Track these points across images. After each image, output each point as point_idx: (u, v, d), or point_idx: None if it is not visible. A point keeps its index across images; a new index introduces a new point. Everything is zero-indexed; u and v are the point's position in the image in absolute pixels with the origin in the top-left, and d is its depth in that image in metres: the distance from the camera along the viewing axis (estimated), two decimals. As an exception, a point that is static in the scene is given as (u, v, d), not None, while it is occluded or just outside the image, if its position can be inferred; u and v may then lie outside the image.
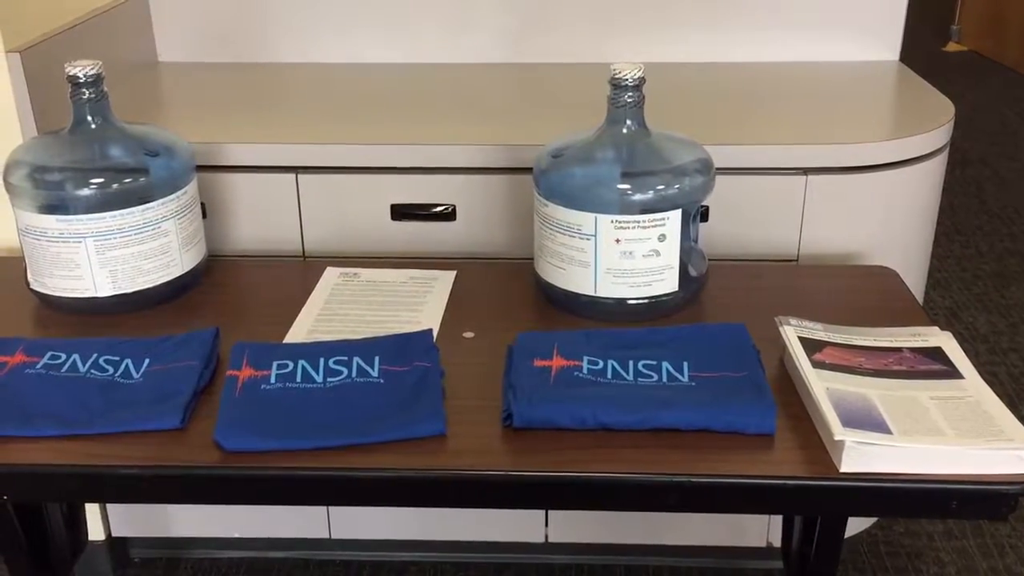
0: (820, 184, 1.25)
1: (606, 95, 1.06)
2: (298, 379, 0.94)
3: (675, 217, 1.05)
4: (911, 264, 1.34)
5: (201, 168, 1.26)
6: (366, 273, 1.20)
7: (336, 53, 1.63)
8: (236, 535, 1.48)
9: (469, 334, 1.06)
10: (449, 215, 1.28)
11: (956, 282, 2.45)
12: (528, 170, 1.26)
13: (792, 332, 0.98)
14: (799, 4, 1.57)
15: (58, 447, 0.87)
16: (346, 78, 1.55)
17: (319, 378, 0.94)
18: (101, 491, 0.88)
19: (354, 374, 0.95)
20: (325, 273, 1.20)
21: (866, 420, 0.85)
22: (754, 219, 1.26)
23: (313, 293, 1.16)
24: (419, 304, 1.13)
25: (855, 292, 1.14)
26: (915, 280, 1.36)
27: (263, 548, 1.54)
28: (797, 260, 1.28)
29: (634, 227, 1.04)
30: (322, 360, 0.96)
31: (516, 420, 0.88)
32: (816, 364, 0.93)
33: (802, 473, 0.84)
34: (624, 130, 1.07)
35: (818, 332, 0.99)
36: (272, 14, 1.61)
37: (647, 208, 1.03)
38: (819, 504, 0.85)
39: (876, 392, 0.89)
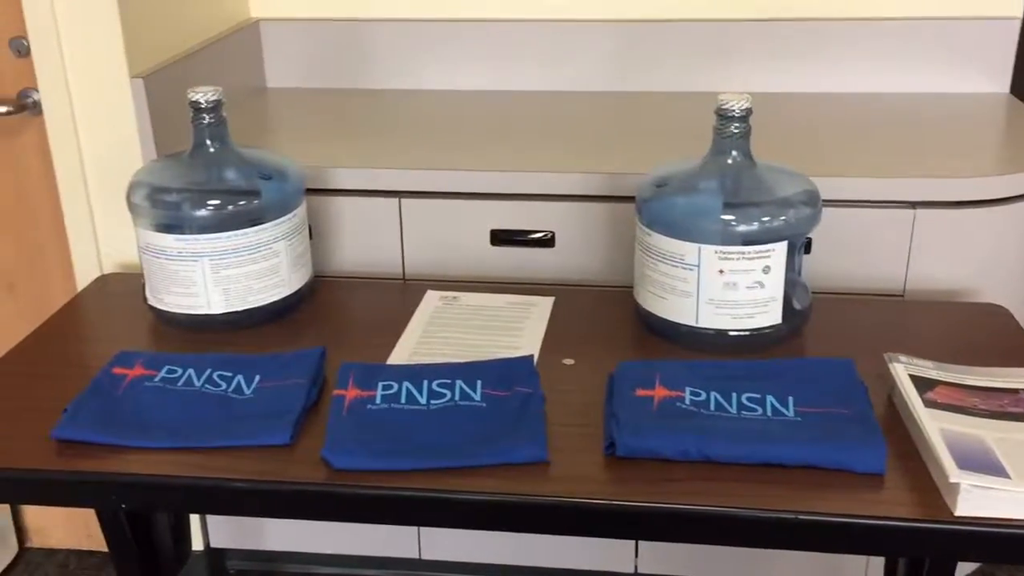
0: (928, 218, 1.22)
1: (711, 125, 1.06)
2: (402, 400, 0.96)
3: (780, 249, 1.04)
4: (1022, 302, 1.30)
5: (308, 192, 1.30)
6: (466, 297, 1.22)
7: (437, 80, 1.66)
8: (329, 551, 1.51)
9: (569, 361, 1.07)
10: (548, 242, 1.29)
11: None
12: (627, 199, 1.26)
13: (902, 370, 0.96)
14: (908, 35, 1.54)
15: (173, 459, 0.90)
16: (447, 105, 1.58)
17: (423, 400, 0.96)
18: (213, 504, 0.91)
19: (457, 397, 0.96)
20: (426, 296, 1.22)
21: (982, 463, 0.82)
22: (859, 252, 1.24)
23: (414, 316, 1.18)
24: (518, 329, 1.14)
25: (965, 329, 1.11)
26: (1026, 319, 1.32)
27: (355, 565, 1.56)
28: (903, 295, 1.25)
29: (739, 258, 1.03)
30: (426, 382, 0.98)
31: (619, 449, 0.88)
32: (928, 403, 0.91)
33: (914, 515, 0.82)
34: (729, 160, 1.07)
35: (929, 370, 0.96)
36: (376, 43, 1.66)
37: (751, 239, 1.03)
38: (932, 547, 0.82)
39: (992, 434, 0.86)
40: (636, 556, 1.43)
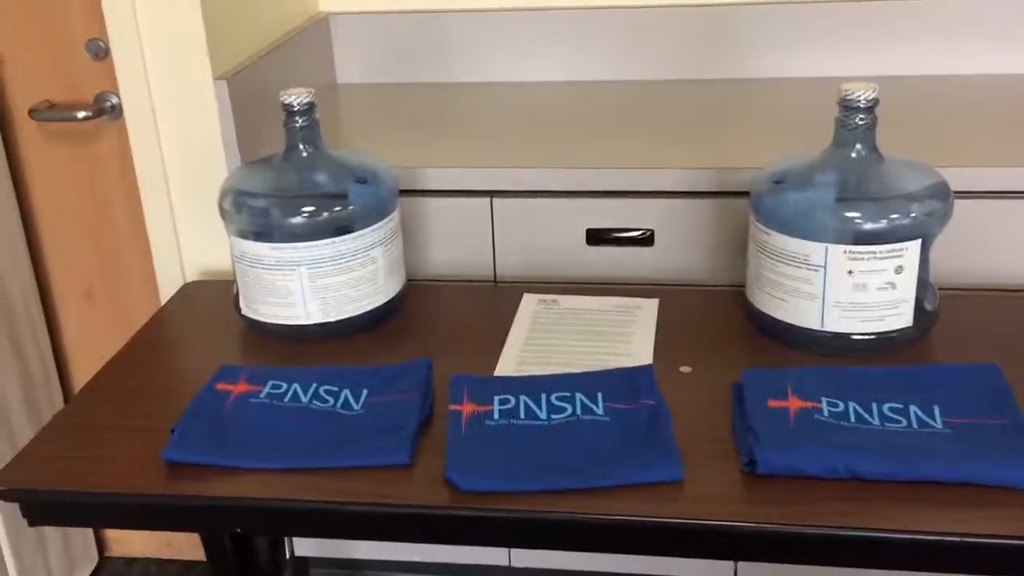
0: (1057, 209, 1.15)
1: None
2: (521, 415, 0.91)
3: (914, 247, 0.97)
4: None
5: (402, 192, 1.25)
6: (565, 300, 1.17)
7: (511, 72, 1.61)
8: (416, 559, 1.47)
9: (686, 368, 1.02)
10: (647, 240, 1.24)
11: None
12: (731, 194, 1.20)
13: (1055, 375, 0.90)
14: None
15: (288, 480, 0.86)
16: (524, 97, 1.53)
17: (543, 415, 0.91)
18: (333, 527, 0.87)
19: (579, 411, 0.91)
20: (523, 300, 1.17)
21: None
22: (980, 245, 1.18)
23: (515, 321, 1.13)
24: (626, 334, 1.09)
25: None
26: None
27: (441, 573, 1.53)
28: (1030, 290, 1.19)
29: (870, 258, 0.97)
30: (543, 396, 0.93)
31: (762, 466, 0.83)
32: (1089, 412, 0.85)
33: (1092, 535, 0.76)
34: (853, 154, 1.01)
35: (1084, 376, 0.90)
36: (447, 34, 1.60)
37: (880, 238, 0.97)
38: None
39: None
40: (735, 574, 1.38)
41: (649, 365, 0.98)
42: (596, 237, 1.25)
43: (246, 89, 1.27)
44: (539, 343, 1.08)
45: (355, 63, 1.64)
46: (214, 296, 1.21)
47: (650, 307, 1.15)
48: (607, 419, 0.90)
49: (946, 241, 1.18)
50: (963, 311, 1.09)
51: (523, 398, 0.93)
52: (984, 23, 1.48)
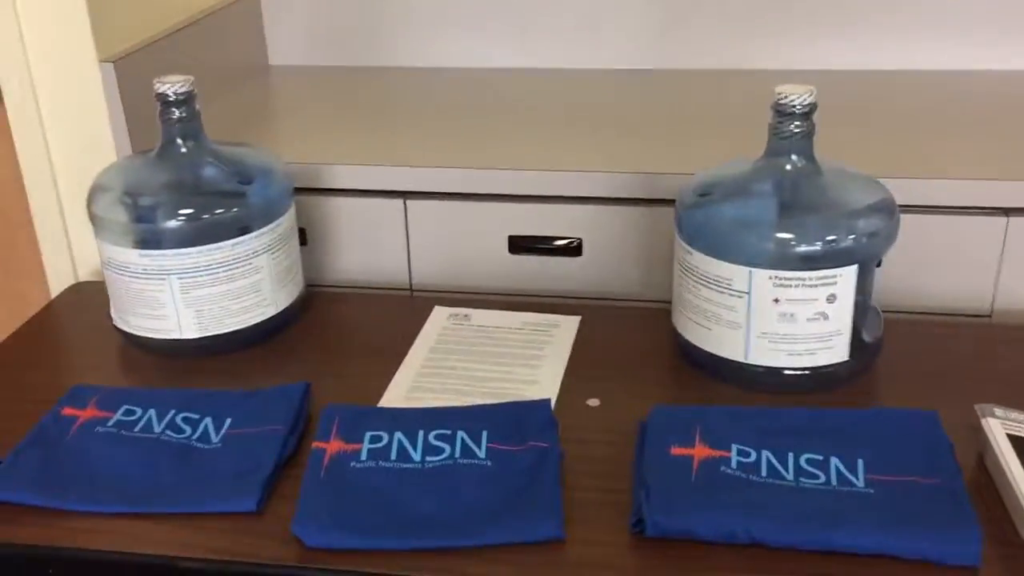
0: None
1: (767, 114, 0.89)
2: (393, 456, 0.81)
3: (849, 274, 0.86)
4: None
5: (303, 191, 1.15)
6: (478, 315, 1.06)
7: (457, 57, 1.49)
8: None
9: (594, 402, 0.91)
10: (574, 249, 1.13)
11: None
12: (668, 201, 1.09)
13: (998, 427, 0.79)
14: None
15: (119, 528, 0.76)
16: (466, 86, 1.41)
17: (417, 456, 0.81)
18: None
19: (458, 453, 0.81)
20: (433, 314, 1.07)
21: (1108, 564, 0.65)
22: (939, 266, 1.06)
23: (418, 338, 1.02)
24: (536, 358, 0.98)
25: (1068, 365, 0.93)
26: None
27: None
28: (991, 316, 1.07)
29: (798, 285, 0.86)
30: (421, 433, 0.83)
31: (649, 530, 0.72)
32: (1034, 475, 0.74)
33: (1020, 629, 0.65)
34: (788, 166, 0.89)
35: (1032, 429, 0.79)
36: (390, 14, 1.49)
37: (815, 262, 0.85)
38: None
39: (1118, 522, 0.69)
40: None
41: (546, 400, 0.87)
42: (519, 245, 1.14)
43: (140, 73, 1.16)
44: (438, 365, 0.98)
45: (289, 44, 1.53)
46: (103, 301, 1.11)
47: (569, 326, 1.04)
48: (488, 463, 0.80)
49: (900, 258, 1.07)
50: (909, 340, 0.97)
51: (398, 435, 0.83)
52: (938, 13, 1.36)
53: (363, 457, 0.81)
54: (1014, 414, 0.81)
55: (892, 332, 0.95)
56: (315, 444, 0.82)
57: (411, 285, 1.18)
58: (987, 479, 0.79)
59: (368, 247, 1.17)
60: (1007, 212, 1.03)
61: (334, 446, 0.82)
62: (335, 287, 1.18)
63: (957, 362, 0.94)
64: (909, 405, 0.87)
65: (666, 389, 0.93)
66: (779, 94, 0.87)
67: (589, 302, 1.14)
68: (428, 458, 0.80)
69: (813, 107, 0.87)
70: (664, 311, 1.02)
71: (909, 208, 1.04)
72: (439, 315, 1.07)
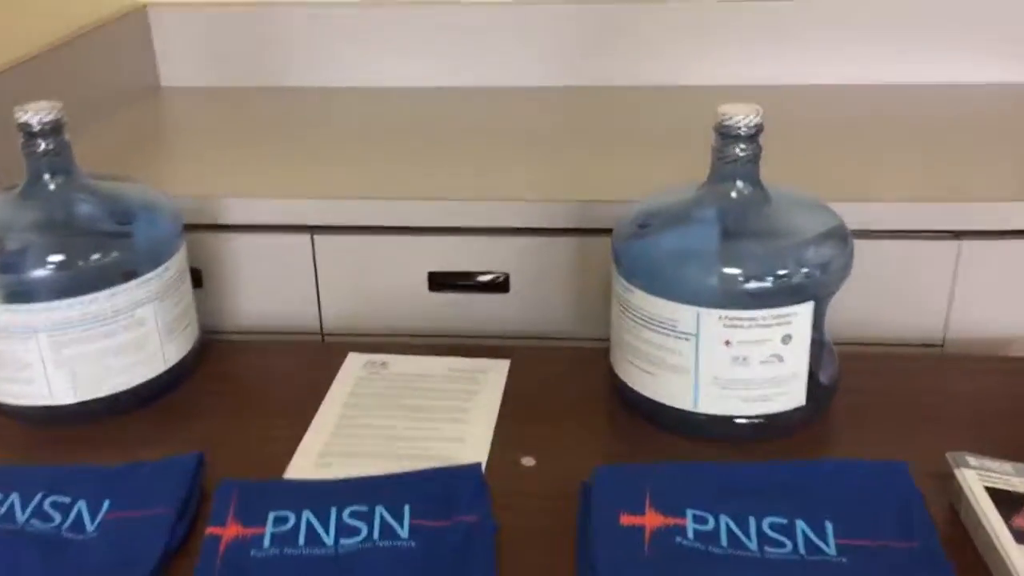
0: (976, 251, 0.98)
1: (710, 145, 0.81)
2: (300, 541, 0.70)
3: (805, 311, 0.79)
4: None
5: (198, 227, 1.03)
6: (397, 362, 0.96)
7: (357, 76, 1.39)
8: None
9: (529, 460, 0.81)
10: (500, 285, 1.03)
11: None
12: (602, 231, 1.01)
13: (974, 479, 0.72)
14: (939, 8, 1.29)
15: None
16: (370, 107, 1.31)
17: (329, 539, 0.70)
18: None
19: (376, 534, 0.70)
20: (346, 362, 0.96)
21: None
22: (887, 293, 1.00)
23: (329, 393, 0.91)
24: (463, 410, 0.88)
25: (1031, 398, 0.88)
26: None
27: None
28: (943, 345, 1.01)
29: (750, 325, 0.78)
30: (334, 511, 0.72)
31: (601, 622, 0.63)
32: (1020, 532, 0.67)
33: None
34: (734, 193, 0.81)
35: (1010, 478, 0.72)
36: (283, 34, 1.38)
37: (768, 299, 0.78)
38: None
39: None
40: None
41: (475, 465, 0.77)
42: (440, 282, 1.04)
43: (10, 97, 1.03)
44: (353, 423, 0.87)
45: (181, 63, 1.41)
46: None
47: (497, 372, 0.94)
48: (412, 544, 0.69)
49: (848, 286, 1.00)
50: (866, 377, 0.90)
51: (306, 515, 0.72)
52: (879, 27, 1.31)
53: (266, 544, 0.69)
54: (988, 462, 0.74)
55: (845, 368, 0.88)
56: (209, 530, 0.70)
57: (322, 329, 1.07)
58: (962, 533, 0.72)
59: (272, 288, 1.05)
60: (958, 235, 0.98)
61: (231, 531, 0.70)
62: (236, 334, 1.06)
63: (916, 399, 0.88)
64: (871, 451, 0.80)
65: (607, 442, 0.84)
66: (722, 115, 0.79)
67: (518, 343, 1.04)
68: (343, 540, 0.70)
69: (759, 128, 0.79)
70: (601, 350, 0.93)
71: (855, 234, 0.97)
72: (353, 363, 0.96)
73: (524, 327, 1.05)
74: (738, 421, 0.81)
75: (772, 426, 0.82)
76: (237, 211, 1.02)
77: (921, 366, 0.93)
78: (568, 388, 0.91)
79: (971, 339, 1.01)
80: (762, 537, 0.69)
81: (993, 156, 1.08)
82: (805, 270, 0.78)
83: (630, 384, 0.85)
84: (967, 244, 0.97)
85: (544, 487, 0.78)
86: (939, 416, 0.85)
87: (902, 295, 1.00)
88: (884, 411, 0.86)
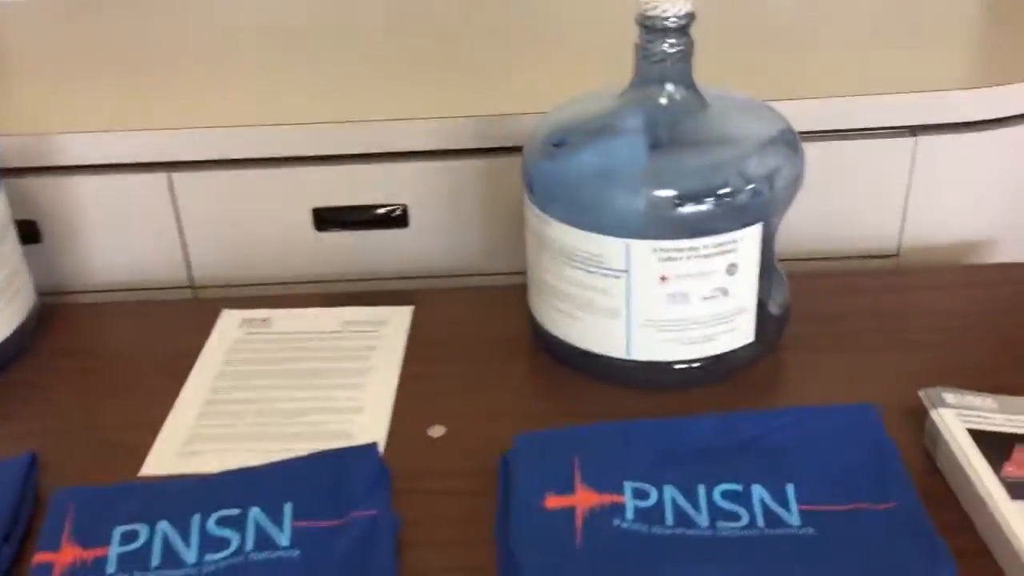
0: (933, 147, 0.87)
1: (633, 42, 0.67)
2: (154, 561, 0.56)
3: (752, 236, 0.67)
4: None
5: (27, 171, 0.86)
6: (280, 318, 0.82)
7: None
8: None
9: (437, 430, 0.69)
10: (398, 219, 0.89)
11: None
12: (512, 150, 0.86)
13: (955, 422, 0.61)
14: None
15: None
16: (233, 15, 1.12)
17: (190, 556, 0.57)
18: None
19: (250, 545, 0.57)
20: (219, 321, 0.82)
21: None
22: (833, 198, 0.88)
23: (199, 360, 0.77)
24: (359, 372, 0.75)
25: (1005, 308, 0.78)
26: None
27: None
28: (898, 254, 0.91)
29: (690, 257, 0.65)
30: (197, 519, 0.58)
31: (527, 637, 0.52)
32: (1011, 482, 0.57)
33: None
34: (663, 98, 0.68)
35: (995, 417, 0.62)
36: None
37: (708, 225, 0.65)
38: None
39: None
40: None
41: (372, 445, 0.64)
42: (327, 219, 0.89)
43: None
44: (228, 399, 0.73)
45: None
46: None
47: (399, 321, 0.81)
48: (295, 554, 0.56)
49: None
50: (819, 300, 0.79)
51: (162, 527, 0.58)
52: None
53: (110, 569, 0.56)
54: (968, 398, 0.64)
55: (795, 291, 0.77)
56: (37, 558, 0.56)
57: (191, 282, 0.92)
58: (940, 484, 0.62)
59: (127, 238, 0.89)
60: (914, 131, 0.86)
61: (67, 556, 0.56)
62: (86, 293, 0.90)
63: (877, 324, 0.77)
64: (831, 389, 0.70)
65: (528, 400, 0.72)
66: (645, 4, 0.65)
67: (421, 283, 0.91)
68: (208, 556, 0.56)
69: (691, 18, 0.66)
70: (516, 288, 0.80)
71: (802, 137, 0.85)
72: (228, 322, 0.82)
73: (427, 266, 0.91)
74: (678, 367, 0.70)
75: (717, 369, 0.70)
76: (76, 149, 0.85)
77: (880, 283, 0.83)
78: (481, 336, 0.78)
79: (929, 246, 0.90)
80: (713, 509, 0.58)
81: (944, 42, 0.97)
82: (751, 186, 0.66)
83: (552, 331, 0.73)
84: (924, 139, 0.86)
85: (457, 463, 0.65)
86: (904, 342, 0.75)
87: (851, 202, 0.89)
88: (841, 340, 0.76)
